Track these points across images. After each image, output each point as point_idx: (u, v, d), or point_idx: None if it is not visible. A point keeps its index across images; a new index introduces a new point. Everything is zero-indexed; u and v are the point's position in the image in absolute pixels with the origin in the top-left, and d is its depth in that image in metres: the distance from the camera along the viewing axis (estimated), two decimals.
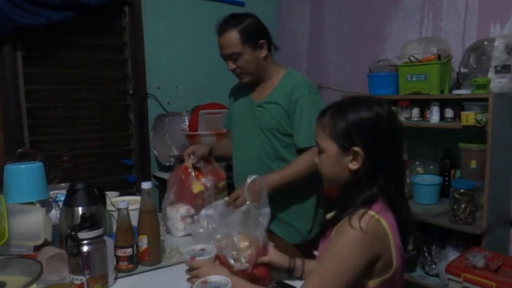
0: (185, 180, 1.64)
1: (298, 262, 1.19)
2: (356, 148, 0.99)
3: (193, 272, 1.09)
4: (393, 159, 1.02)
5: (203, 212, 1.22)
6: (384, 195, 0.99)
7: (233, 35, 1.59)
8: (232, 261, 1.08)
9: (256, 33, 1.63)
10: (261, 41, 1.63)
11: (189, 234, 1.48)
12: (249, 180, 1.15)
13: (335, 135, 1.02)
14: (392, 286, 0.99)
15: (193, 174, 1.65)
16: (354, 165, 1.01)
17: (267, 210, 1.16)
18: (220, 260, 1.12)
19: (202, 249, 1.15)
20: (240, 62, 1.62)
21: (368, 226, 0.93)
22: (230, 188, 1.81)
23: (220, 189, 1.68)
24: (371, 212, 0.95)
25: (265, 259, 1.14)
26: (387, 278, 0.96)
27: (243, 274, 1.08)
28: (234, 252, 1.09)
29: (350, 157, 1.01)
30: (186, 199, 1.63)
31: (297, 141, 1.61)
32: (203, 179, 1.67)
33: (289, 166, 1.60)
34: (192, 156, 1.69)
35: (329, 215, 1.12)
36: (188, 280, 1.11)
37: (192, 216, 1.58)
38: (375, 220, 0.95)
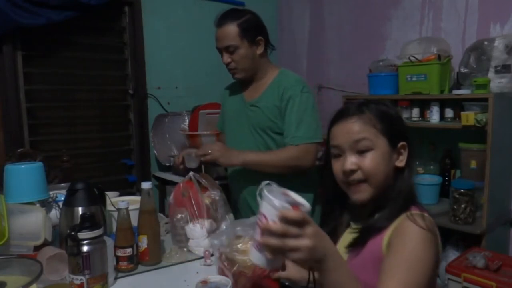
0: (194, 196, 1.48)
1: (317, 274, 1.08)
2: (403, 143, 0.96)
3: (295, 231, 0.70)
4: None
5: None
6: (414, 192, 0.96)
7: (232, 28, 1.60)
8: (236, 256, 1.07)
9: (254, 29, 1.64)
10: (259, 37, 1.65)
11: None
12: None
13: (386, 130, 0.94)
14: None
15: (198, 186, 1.50)
16: (400, 162, 0.96)
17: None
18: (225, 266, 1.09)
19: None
20: (236, 56, 1.63)
21: (430, 225, 0.88)
22: (226, 189, 1.80)
23: (225, 200, 1.62)
24: (424, 213, 0.91)
25: (282, 274, 1.06)
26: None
27: (250, 280, 1.06)
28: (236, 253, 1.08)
29: (395, 155, 0.96)
30: (201, 214, 1.46)
31: (287, 139, 1.61)
32: (207, 192, 1.52)
33: (271, 152, 1.63)
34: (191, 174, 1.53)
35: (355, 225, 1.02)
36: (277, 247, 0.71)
37: (215, 231, 1.43)
38: (430, 219, 0.91)
